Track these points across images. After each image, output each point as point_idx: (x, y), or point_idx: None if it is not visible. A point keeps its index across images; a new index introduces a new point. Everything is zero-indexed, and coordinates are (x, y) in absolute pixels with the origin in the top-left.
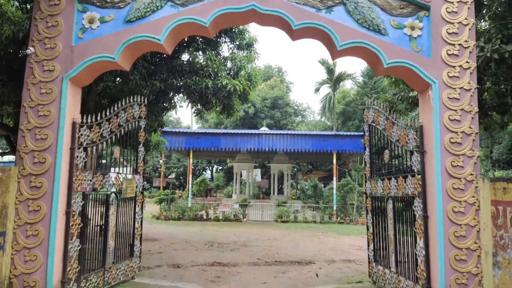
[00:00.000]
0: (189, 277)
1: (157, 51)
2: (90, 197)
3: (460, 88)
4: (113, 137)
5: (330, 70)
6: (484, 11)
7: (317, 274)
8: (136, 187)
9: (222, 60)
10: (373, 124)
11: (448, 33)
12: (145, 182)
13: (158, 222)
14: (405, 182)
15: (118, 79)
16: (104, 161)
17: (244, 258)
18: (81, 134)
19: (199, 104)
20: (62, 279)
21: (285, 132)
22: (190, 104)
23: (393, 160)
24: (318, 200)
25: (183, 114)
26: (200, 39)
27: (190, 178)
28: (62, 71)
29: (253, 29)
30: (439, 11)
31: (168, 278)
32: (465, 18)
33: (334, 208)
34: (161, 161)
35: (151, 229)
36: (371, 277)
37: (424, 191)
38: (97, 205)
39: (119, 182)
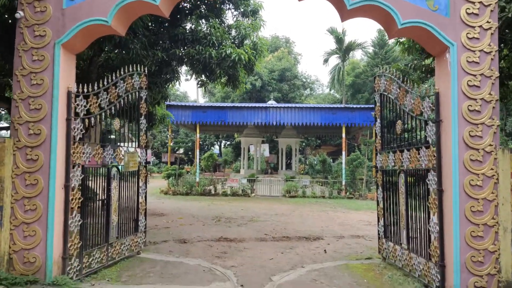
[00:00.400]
0: (195, 252)
1: (153, 13)
2: (90, 170)
3: (480, 50)
4: (113, 108)
5: (339, 40)
6: None
7: (325, 250)
8: (139, 161)
9: (226, 29)
10: (384, 93)
11: None
12: (153, 157)
13: (166, 197)
14: (419, 154)
15: (118, 50)
16: (112, 136)
17: (251, 234)
18: (77, 105)
19: (203, 75)
20: (63, 255)
21: (293, 105)
22: (193, 75)
23: (406, 131)
24: (326, 175)
25: (190, 89)
26: (203, 6)
27: (198, 153)
28: (53, 36)
29: None
30: None
31: (174, 254)
32: None
33: (343, 183)
34: (169, 136)
35: (159, 204)
36: (381, 253)
37: (439, 163)
38: (100, 179)
39: (120, 155)
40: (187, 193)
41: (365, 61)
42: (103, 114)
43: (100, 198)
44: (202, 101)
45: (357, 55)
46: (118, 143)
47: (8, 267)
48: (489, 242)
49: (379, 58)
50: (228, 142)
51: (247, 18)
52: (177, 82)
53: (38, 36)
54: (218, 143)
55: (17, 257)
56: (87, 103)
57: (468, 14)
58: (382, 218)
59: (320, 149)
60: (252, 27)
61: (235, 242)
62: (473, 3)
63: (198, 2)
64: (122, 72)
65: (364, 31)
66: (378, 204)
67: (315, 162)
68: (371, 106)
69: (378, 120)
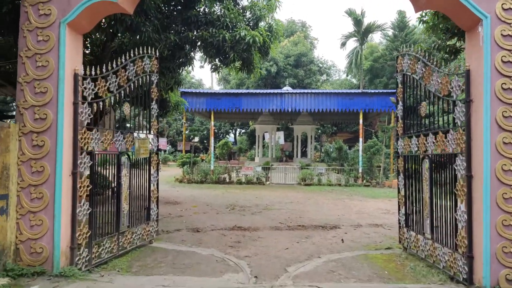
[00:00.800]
0: (208, 242)
1: None
2: (100, 157)
3: None
4: (122, 92)
5: (357, 22)
6: None
7: (342, 240)
8: (151, 148)
9: (241, 10)
10: (408, 73)
11: None
12: (169, 146)
13: (181, 185)
14: (446, 137)
15: (130, 34)
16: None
17: (266, 222)
18: (85, 88)
19: (216, 60)
20: (71, 245)
21: (309, 91)
22: (207, 59)
23: (431, 114)
24: (342, 162)
25: (205, 76)
26: None
27: (212, 141)
28: (59, 15)
29: None
30: None
31: (187, 243)
32: None
33: (360, 170)
34: (184, 124)
35: (174, 192)
36: (402, 243)
37: (468, 147)
38: (111, 167)
39: (130, 141)
40: (201, 181)
41: (384, 44)
42: (113, 98)
43: (110, 186)
44: (217, 88)
45: (376, 38)
46: (131, 130)
47: (15, 257)
48: None
49: (398, 41)
50: (243, 130)
51: None
52: (191, 67)
53: (43, 15)
54: (233, 131)
55: (24, 247)
56: (95, 86)
57: None
58: (403, 207)
59: (336, 136)
60: (268, 8)
61: (249, 231)
62: None
63: None
64: (132, 55)
65: (383, 13)
66: (399, 192)
67: (331, 150)
68: (390, 91)
69: (400, 103)
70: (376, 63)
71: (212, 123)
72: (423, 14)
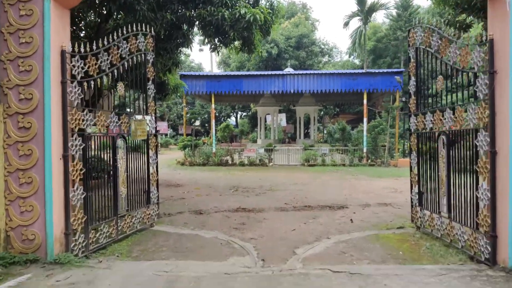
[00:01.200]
0: (212, 224)
1: None
2: (97, 140)
3: None
4: (116, 71)
5: (361, 0)
6: None
7: (351, 220)
8: (148, 129)
9: None
10: (421, 46)
11: None
12: (170, 130)
13: (183, 168)
14: (465, 112)
15: (124, 13)
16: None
17: (271, 203)
18: (73, 66)
19: (215, 39)
20: (66, 231)
21: (311, 71)
22: (205, 39)
23: (448, 89)
24: (346, 143)
25: (205, 60)
26: None
27: (213, 123)
28: None
29: None
30: None
31: (189, 226)
32: None
33: (364, 150)
34: (184, 108)
35: (175, 175)
36: (414, 222)
37: (492, 121)
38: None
39: (126, 123)
40: (203, 164)
41: (387, 24)
42: (105, 77)
43: (106, 169)
44: (217, 71)
45: (379, 18)
46: (126, 112)
47: (6, 245)
48: None
49: (402, 21)
50: (244, 113)
51: None
52: (189, 48)
53: None
54: (234, 114)
55: (15, 234)
56: (84, 64)
57: None
58: (417, 185)
59: (338, 117)
60: None
61: (254, 212)
62: None
63: None
64: (125, 32)
65: None
66: (411, 170)
67: (334, 131)
68: (394, 70)
69: (413, 78)
70: (380, 43)
71: (213, 106)
72: None
